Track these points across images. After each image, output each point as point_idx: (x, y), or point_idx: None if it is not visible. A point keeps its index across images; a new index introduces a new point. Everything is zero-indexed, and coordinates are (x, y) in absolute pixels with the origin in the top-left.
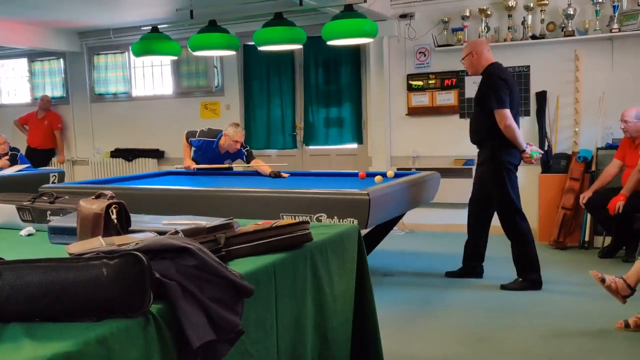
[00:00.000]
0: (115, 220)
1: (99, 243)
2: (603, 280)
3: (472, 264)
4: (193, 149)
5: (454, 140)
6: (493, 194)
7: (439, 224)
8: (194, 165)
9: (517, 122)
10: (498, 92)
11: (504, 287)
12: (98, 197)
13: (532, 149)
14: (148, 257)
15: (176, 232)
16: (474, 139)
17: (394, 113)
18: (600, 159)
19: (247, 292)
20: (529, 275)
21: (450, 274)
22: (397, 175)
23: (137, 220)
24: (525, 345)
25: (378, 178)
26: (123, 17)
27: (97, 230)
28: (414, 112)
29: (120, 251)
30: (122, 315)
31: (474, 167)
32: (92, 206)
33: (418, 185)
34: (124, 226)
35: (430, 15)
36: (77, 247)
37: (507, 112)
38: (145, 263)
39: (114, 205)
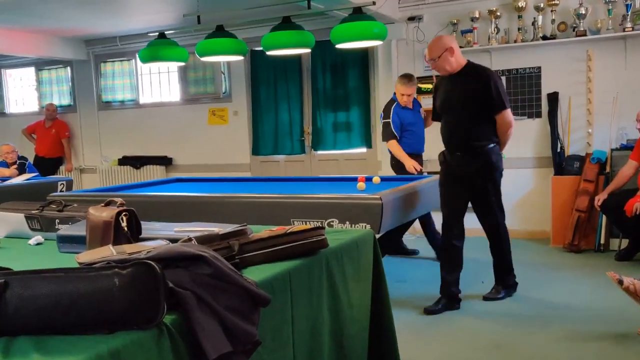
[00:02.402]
0: (126, 228)
1: (110, 252)
2: (621, 282)
3: None
4: (401, 135)
5: None
6: (485, 200)
7: None
8: (418, 166)
9: None
10: (504, 92)
11: (485, 298)
12: (107, 204)
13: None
14: (161, 266)
15: (189, 240)
16: (458, 144)
17: None
18: (614, 160)
19: (264, 301)
20: (508, 281)
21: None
22: (403, 180)
23: (148, 227)
24: (542, 350)
25: (360, 185)
26: (129, 24)
27: (107, 239)
28: None
29: (132, 260)
30: (135, 327)
31: None
32: (101, 214)
33: (430, 189)
34: (134, 234)
35: (439, 17)
36: (87, 256)
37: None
38: (158, 272)
39: (124, 213)
